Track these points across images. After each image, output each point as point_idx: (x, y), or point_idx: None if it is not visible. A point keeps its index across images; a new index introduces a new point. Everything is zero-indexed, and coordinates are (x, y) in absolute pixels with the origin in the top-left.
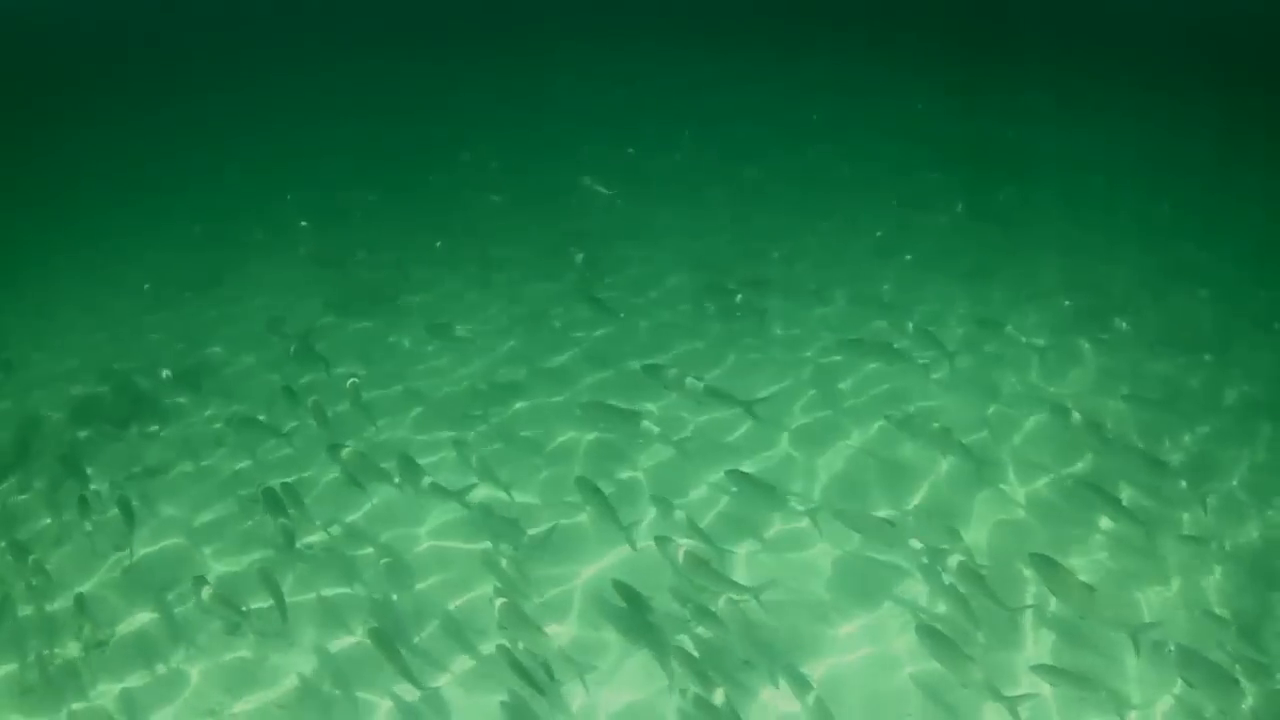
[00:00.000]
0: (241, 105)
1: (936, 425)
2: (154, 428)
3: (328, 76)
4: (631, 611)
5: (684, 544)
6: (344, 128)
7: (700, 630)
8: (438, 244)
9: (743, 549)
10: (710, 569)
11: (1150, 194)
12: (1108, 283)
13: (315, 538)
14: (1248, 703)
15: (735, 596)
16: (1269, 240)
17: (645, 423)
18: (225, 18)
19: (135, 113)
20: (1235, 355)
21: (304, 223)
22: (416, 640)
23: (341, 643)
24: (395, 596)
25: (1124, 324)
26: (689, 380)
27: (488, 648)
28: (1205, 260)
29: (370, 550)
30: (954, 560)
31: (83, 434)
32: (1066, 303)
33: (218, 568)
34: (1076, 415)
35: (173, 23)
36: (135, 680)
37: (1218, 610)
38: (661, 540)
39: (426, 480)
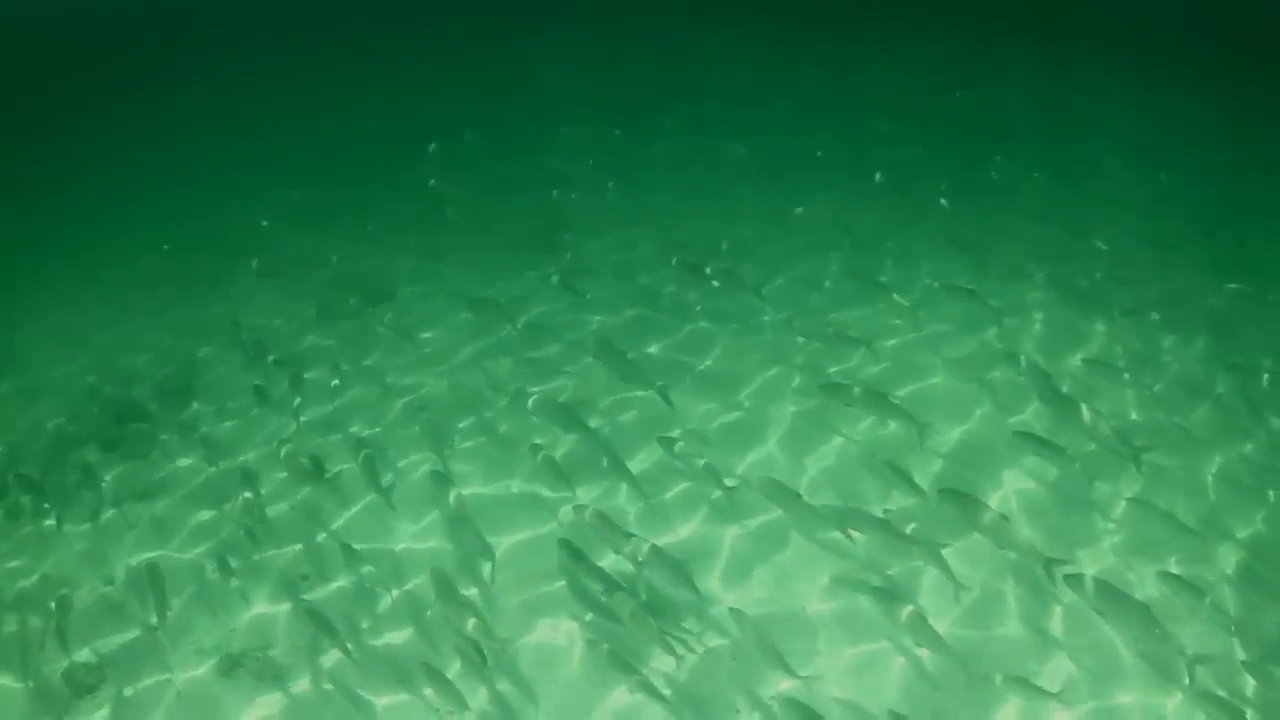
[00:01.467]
0: (210, 104)
1: (882, 391)
2: (142, 449)
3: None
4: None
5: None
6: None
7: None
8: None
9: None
10: (615, 527)
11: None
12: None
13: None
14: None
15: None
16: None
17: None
18: (188, 16)
19: (99, 116)
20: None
21: (264, 222)
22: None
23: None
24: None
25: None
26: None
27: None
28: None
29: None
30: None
31: (68, 458)
32: (1042, 273)
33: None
34: (1031, 370)
35: (139, 20)
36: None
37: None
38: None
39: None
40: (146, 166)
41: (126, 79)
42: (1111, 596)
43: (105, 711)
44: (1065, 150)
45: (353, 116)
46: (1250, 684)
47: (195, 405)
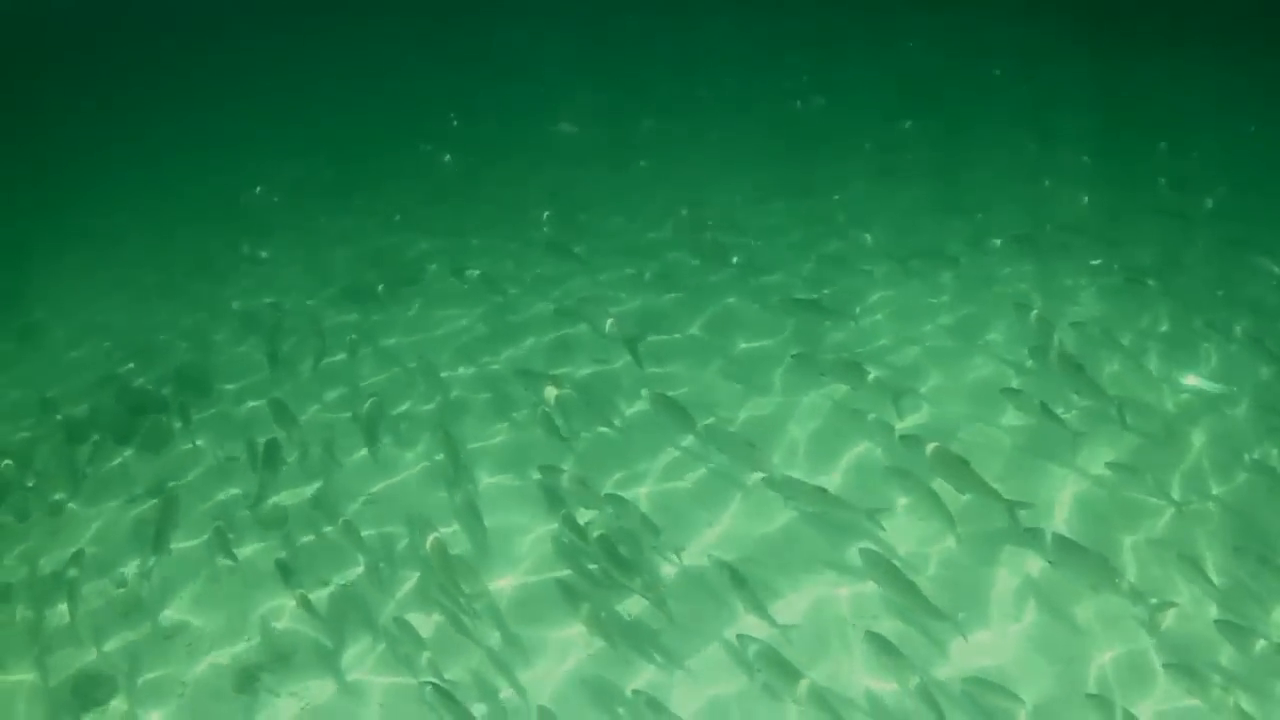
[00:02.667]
0: (203, 77)
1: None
2: (158, 441)
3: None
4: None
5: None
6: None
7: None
8: (396, 217)
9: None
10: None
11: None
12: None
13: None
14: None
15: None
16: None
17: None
18: None
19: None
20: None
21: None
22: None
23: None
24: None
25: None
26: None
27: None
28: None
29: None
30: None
31: (80, 450)
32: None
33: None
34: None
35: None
36: None
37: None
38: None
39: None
40: (149, 143)
41: (127, 61)
42: (1070, 549)
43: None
44: (1076, 122)
45: (353, 92)
46: (1222, 642)
47: (212, 383)
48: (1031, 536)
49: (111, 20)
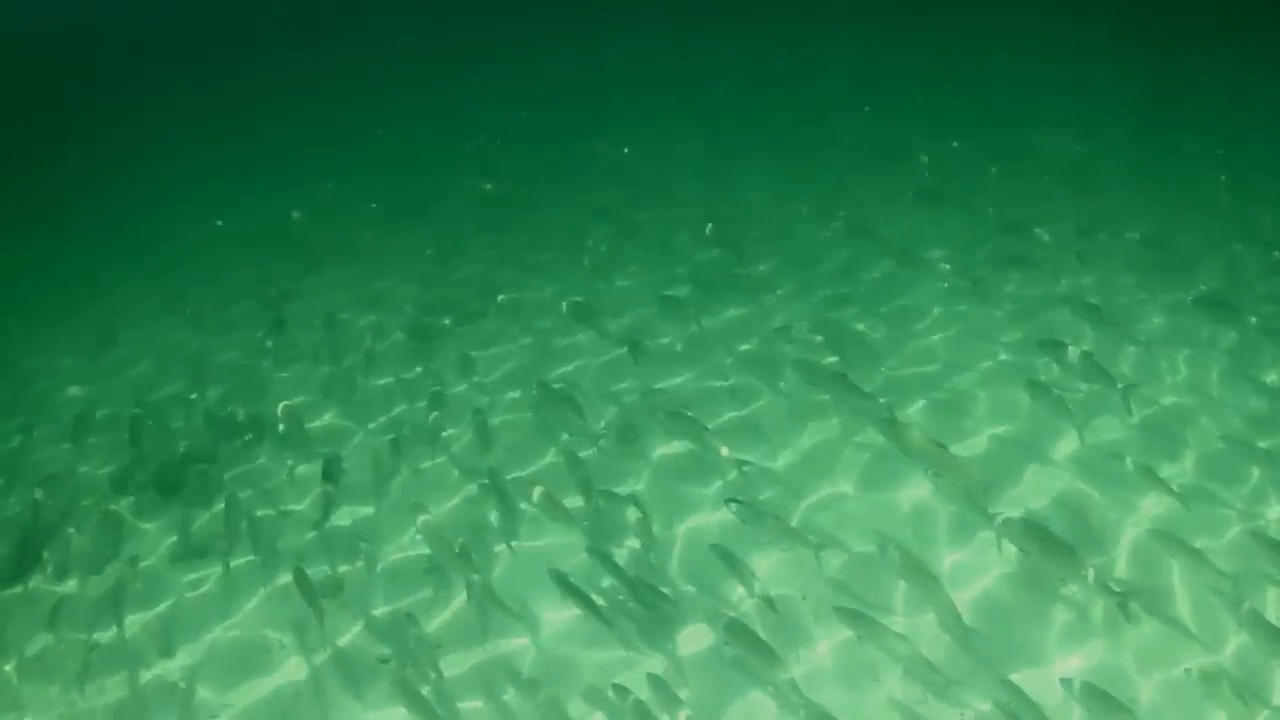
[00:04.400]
0: (240, 99)
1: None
2: (209, 493)
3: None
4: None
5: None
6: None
7: None
8: (430, 253)
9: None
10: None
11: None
12: None
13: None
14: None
15: None
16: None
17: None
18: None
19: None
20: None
21: (295, 214)
22: None
23: None
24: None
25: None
26: None
27: None
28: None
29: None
30: None
31: (121, 504)
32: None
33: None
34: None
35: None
36: None
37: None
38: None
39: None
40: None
41: (158, 79)
42: (1040, 538)
43: None
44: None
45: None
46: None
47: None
48: (1002, 525)
49: (145, 43)
